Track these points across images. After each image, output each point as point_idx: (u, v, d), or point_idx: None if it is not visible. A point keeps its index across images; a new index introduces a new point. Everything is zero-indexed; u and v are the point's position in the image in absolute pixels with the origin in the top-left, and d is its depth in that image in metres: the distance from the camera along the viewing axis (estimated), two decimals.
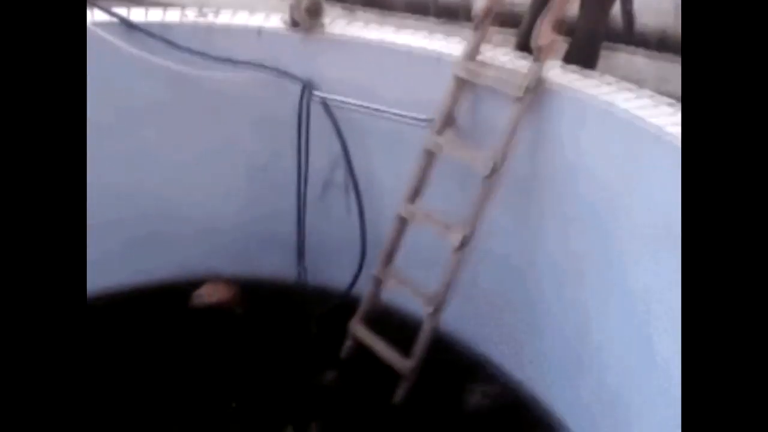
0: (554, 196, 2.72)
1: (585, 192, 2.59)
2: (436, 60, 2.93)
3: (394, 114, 2.94)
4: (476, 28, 2.82)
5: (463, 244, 2.72)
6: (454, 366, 3.09)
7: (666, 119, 2.32)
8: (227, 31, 3.13)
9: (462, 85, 2.80)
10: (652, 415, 2.36)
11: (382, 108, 2.95)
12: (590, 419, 2.71)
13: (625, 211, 2.44)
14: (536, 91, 2.59)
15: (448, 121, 2.84)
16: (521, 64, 2.79)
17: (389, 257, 3.00)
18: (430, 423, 2.86)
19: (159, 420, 2.75)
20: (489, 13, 2.81)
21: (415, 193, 2.92)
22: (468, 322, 3.10)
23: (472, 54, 2.81)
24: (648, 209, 2.32)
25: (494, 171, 2.63)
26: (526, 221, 2.84)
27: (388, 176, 3.15)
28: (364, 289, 3.10)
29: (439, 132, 2.84)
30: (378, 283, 3.02)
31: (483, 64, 2.80)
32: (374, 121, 3.00)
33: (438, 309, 2.80)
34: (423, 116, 2.90)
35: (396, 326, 3.07)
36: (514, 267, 2.92)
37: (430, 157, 2.89)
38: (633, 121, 2.36)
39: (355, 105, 3.02)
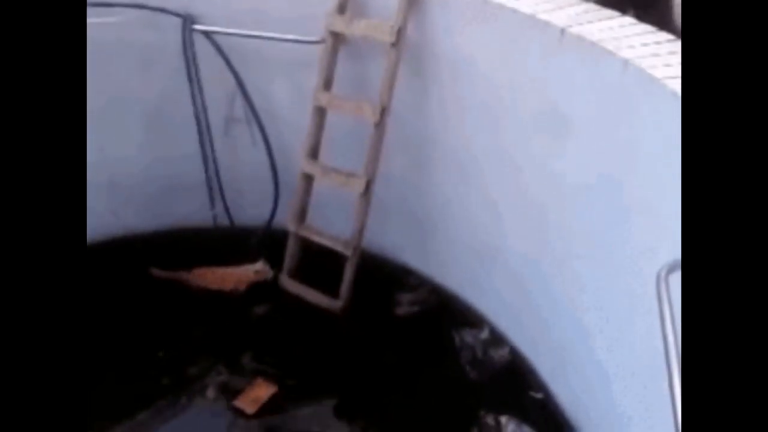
0: (446, 89, 2.79)
1: (473, 83, 2.66)
2: None
3: (283, 39, 2.88)
4: None
5: (367, 189, 2.86)
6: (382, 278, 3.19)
7: (539, 6, 2.38)
8: None
9: (336, 39, 2.84)
10: (547, 291, 2.58)
11: (269, 34, 2.88)
12: (500, 301, 2.91)
13: (510, 94, 2.53)
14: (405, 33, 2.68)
15: (329, 78, 2.89)
16: None
17: (302, 213, 3.08)
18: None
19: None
20: None
21: (315, 150, 2.99)
22: (385, 238, 3.19)
23: (341, 8, 2.81)
24: (531, 90, 2.42)
25: (382, 117, 2.75)
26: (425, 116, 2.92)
27: (288, 101, 3.11)
28: (282, 219, 3.12)
29: (325, 88, 2.89)
30: (296, 238, 3.09)
31: (352, 18, 2.81)
32: (264, 47, 2.93)
33: (356, 251, 2.94)
34: (313, 38, 2.86)
35: (320, 260, 3.11)
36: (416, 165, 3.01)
37: (321, 113, 2.94)
38: (509, 12, 2.41)
39: (241, 34, 2.93)
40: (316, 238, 3.04)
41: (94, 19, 2.83)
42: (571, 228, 2.40)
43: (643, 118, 1.98)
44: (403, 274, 3.21)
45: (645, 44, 2.08)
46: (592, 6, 2.39)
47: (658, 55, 2.01)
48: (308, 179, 3.03)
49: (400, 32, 2.70)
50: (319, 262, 3.05)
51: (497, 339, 2.89)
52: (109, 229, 3.22)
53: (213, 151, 3.21)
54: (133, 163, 3.23)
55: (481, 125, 2.68)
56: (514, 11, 2.38)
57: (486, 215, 2.83)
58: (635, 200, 2.06)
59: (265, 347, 2.91)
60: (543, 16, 2.31)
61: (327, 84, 2.93)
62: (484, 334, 2.90)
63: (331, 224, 3.03)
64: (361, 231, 2.92)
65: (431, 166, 2.96)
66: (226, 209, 3.33)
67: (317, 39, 2.87)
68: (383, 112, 2.78)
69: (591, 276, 2.34)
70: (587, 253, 2.34)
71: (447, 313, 3.05)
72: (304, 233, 3.08)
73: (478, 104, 2.65)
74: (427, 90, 2.82)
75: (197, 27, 2.96)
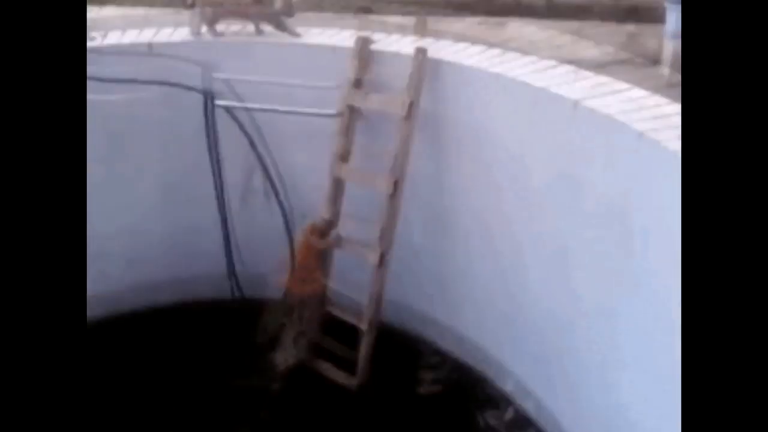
0: (464, 157, 2.82)
1: (488, 151, 2.69)
2: (332, 50, 2.97)
3: (301, 112, 2.96)
4: (356, 57, 2.90)
5: (382, 260, 2.83)
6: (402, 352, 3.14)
7: (552, 81, 2.44)
8: (117, 50, 3.05)
9: (353, 113, 2.92)
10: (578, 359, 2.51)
11: (287, 108, 2.96)
12: (526, 374, 2.84)
13: (524, 163, 2.55)
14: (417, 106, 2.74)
15: (346, 150, 2.96)
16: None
17: None
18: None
19: None
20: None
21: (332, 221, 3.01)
22: (405, 308, 3.16)
23: (358, 83, 2.91)
24: (546, 161, 2.44)
25: (396, 189, 2.80)
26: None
27: (306, 172, 3.16)
28: None
29: (342, 160, 2.95)
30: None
31: (367, 93, 2.89)
32: (283, 120, 3.00)
33: (372, 325, 2.92)
34: (330, 111, 2.93)
35: (338, 330, 3.07)
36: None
37: (338, 184, 2.99)
38: (522, 86, 2.47)
39: (260, 108, 3.02)
40: (331, 311, 3.02)
41: (119, 95, 2.95)
42: (594, 291, 2.37)
43: (657, 188, 1.98)
44: (424, 347, 3.16)
45: (657, 117, 2.10)
46: (605, 79, 2.43)
47: (671, 128, 2.02)
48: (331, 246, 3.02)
49: (412, 106, 2.75)
50: (337, 332, 3.01)
51: (521, 420, 2.80)
52: (129, 303, 3.24)
53: (231, 222, 3.24)
54: (152, 234, 3.28)
55: (501, 191, 2.70)
56: (527, 85, 2.43)
57: (512, 278, 2.79)
58: (650, 267, 2.04)
59: (278, 426, 2.85)
60: (555, 90, 2.35)
61: (344, 156, 2.98)
62: (509, 415, 2.82)
63: (350, 291, 3.01)
64: (377, 304, 2.90)
65: (451, 233, 2.96)
66: (237, 281, 3.34)
67: (334, 112, 2.93)
68: (397, 184, 2.80)
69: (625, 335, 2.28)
70: (617, 313, 2.29)
71: (470, 391, 2.98)
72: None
73: (496, 171, 2.68)
74: (445, 158, 2.86)
75: (219, 102, 3.05)
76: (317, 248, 2.97)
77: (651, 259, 2.05)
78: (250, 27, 3.16)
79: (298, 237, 3.05)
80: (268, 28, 3.14)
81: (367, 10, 4.86)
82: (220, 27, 3.13)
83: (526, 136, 2.49)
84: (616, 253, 2.20)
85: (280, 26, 3.11)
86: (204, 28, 3.10)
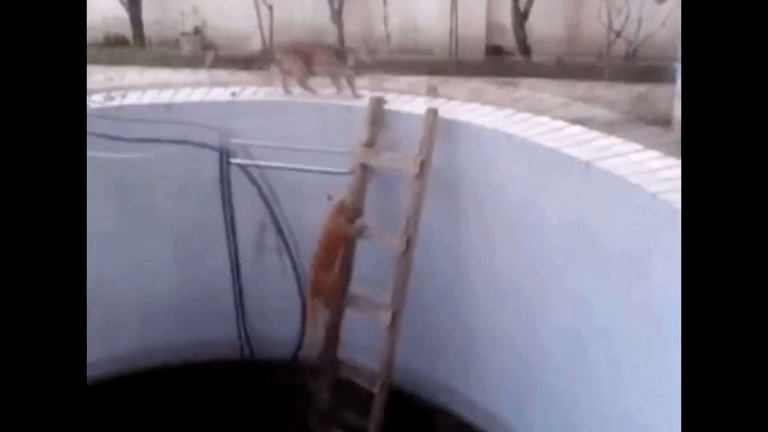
0: (476, 216, 2.81)
1: (502, 210, 2.69)
2: (346, 110, 3.02)
3: (315, 170, 2.99)
4: (369, 117, 2.95)
5: (394, 321, 2.80)
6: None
7: (563, 141, 2.45)
8: (136, 110, 3.12)
9: (365, 171, 2.95)
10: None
11: (301, 166, 2.99)
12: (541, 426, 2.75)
13: (539, 224, 2.54)
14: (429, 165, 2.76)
15: (359, 208, 2.97)
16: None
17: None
18: None
19: None
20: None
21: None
22: (417, 369, 3.11)
23: (370, 141, 2.95)
24: (560, 221, 2.43)
25: (408, 247, 2.79)
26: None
27: (316, 229, 3.16)
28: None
29: (354, 220, 2.95)
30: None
31: (379, 151, 2.93)
32: (297, 177, 3.03)
33: (383, 387, 2.87)
34: (343, 169, 2.96)
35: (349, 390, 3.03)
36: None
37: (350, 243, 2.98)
38: (534, 147, 2.49)
39: (275, 167, 3.05)
40: (342, 373, 2.98)
41: (137, 154, 3.01)
42: (610, 358, 2.32)
43: (675, 249, 1.96)
44: (437, 413, 3.09)
45: (669, 179, 2.10)
46: (616, 140, 2.44)
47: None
48: (337, 310, 3.01)
49: (423, 164, 2.78)
50: (348, 392, 2.96)
51: None
52: (133, 357, 3.21)
53: (242, 279, 3.24)
54: (164, 291, 3.28)
55: (513, 252, 2.68)
56: (539, 146, 2.45)
57: (524, 341, 2.74)
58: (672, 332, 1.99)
59: None
60: (567, 151, 2.37)
61: (356, 214, 2.99)
62: None
63: (361, 356, 2.97)
64: (389, 364, 2.86)
65: (463, 293, 2.93)
66: (248, 340, 3.31)
67: (347, 170, 2.96)
68: (409, 242, 2.80)
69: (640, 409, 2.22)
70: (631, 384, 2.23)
71: None
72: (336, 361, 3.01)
73: (508, 231, 2.67)
74: (458, 217, 2.86)
75: (234, 160, 3.09)
76: (342, 234, 2.90)
77: (670, 325, 2.00)
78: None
79: (328, 213, 2.92)
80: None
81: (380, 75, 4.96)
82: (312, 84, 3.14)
83: (540, 197, 2.49)
84: (635, 321, 2.16)
85: (351, 83, 3.12)
86: (293, 88, 3.12)
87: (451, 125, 2.80)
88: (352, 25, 6.33)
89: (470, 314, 2.94)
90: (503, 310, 2.79)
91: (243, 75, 5.90)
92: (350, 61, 3.07)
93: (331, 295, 2.88)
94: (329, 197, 2.91)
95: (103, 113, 3.06)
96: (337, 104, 3.11)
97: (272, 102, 3.19)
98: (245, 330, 3.30)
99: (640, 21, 5.18)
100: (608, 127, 2.98)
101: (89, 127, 2.89)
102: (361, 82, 4.16)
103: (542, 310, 2.61)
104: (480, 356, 2.96)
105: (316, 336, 3.01)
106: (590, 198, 2.27)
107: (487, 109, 2.94)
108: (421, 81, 5.42)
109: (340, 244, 2.88)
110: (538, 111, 3.04)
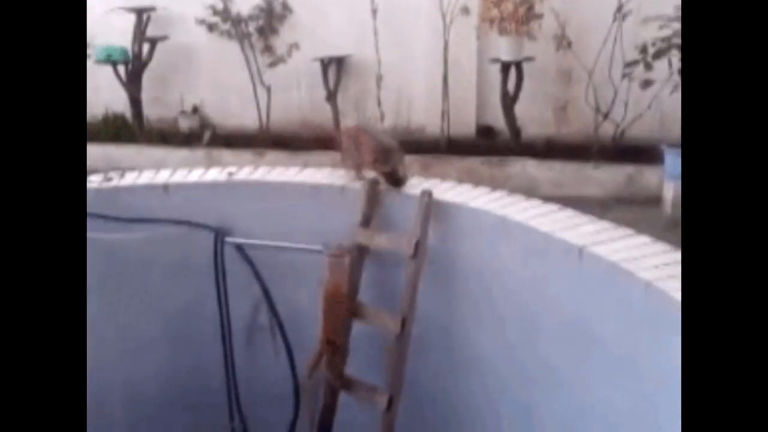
0: (471, 298, 2.81)
1: (495, 293, 2.69)
2: (341, 191, 3.07)
3: (310, 249, 3.00)
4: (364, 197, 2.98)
5: (390, 405, 2.72)
6: None
7: (556, 225, 2.48)
8: (133, 191, 3.16)
9: (361, 251, 2.96)
10: None
11: (297, 245, 3.01)
12: None
13: (532, 309, 2.53)
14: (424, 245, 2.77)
15: (354, 288, 2.95)
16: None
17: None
18: None
19: None
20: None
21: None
22: None
23: (365, 221, 2.98)
24: (555, 308, 2.43)
25: (404, 329, 2.75)
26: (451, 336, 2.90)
27: (313, 311, 3.14)
28: None
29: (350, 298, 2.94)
30: None
31: (374, 232, 2.96)
32: (291, 257, 3.04)
33: None
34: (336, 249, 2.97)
35: None
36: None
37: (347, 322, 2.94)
38: (527, 230, 2.52)
39: (270, 246, 3.06)
40: None
41: (132, 234, 3.02)
42: None
43: (668, 340, 1.95)
44: None
45: (666, 264, 2.11)
46: (608, 224, 2.48)
47: (674, 277, 2.03)
48: (332, 391, 2.95)
49: (418, 245, 2.79)
50: None
51: None
52: None
53: (234, 362, 3.19)
54: (151, 375, 3.21)
55: (509, 335, 2.66)
56: (532, 229, 2.48)
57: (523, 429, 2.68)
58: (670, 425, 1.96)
59: None
60: (560, 235, 2.40)
61: (351, 294, 2.98)
62: None
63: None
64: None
65: (462, 376, 2.88)
66: (243, 424, 3.22)
67: (341, 251, 2.97)
68: (404, 323, 2.79)
69: None
70: None
71: None
72: None
73: (503, 314, 2.66)
74: (453, 298, 2.85)
75: (229, 240, 3.11)
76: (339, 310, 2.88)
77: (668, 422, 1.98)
78: None
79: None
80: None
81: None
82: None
83: (533, 281, 2.50)
84: (629, 414, 2.13)
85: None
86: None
87: (443, 206, 2.84)
88: (346, 105, 6.54)
89: (466, 403, 2.88)
90: (499, 401, 2.74)
91: (241, 154, 6.04)
92: (389, 165, 2.99)
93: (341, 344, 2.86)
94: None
95: (100, 194, 3.09)
96: (332, 185, 3.15)
97: (268, 183, 3.24)
98: (240, 413, 3.21)
99: (626, 104, 5.38)
100: (599, 208, 3.04)
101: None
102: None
103: (537, 404, 2.57)
104: None
105: (309, 414, 2.95)
106: (584, 284, 2.28)
107: (480, 190, 2.99)
108: (414, 159, 5.54)
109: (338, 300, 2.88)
110: (529, 192, 3.10)
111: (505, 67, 5.68)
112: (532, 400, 2.61)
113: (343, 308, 2.90)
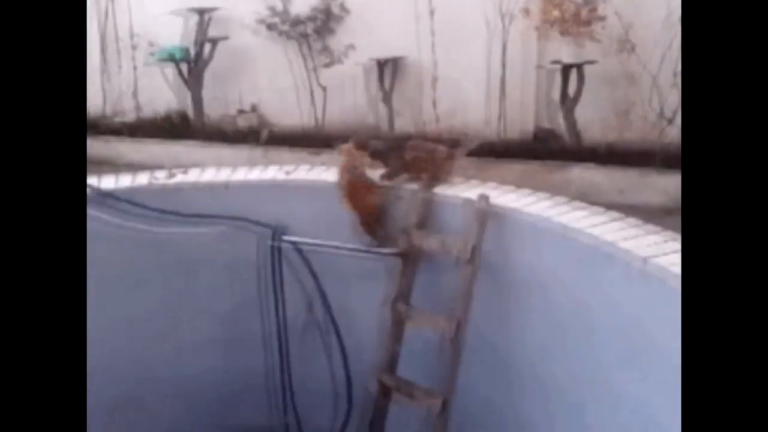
0: (527, 307, 2.76)
1: (552, 302, 2.63)
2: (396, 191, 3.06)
3: (364, 250, 3.01)
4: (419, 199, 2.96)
5: (444, 408, 2.69)
6: None
7: (618, 233, 2.41)
8: (196, 188, 3.23)
9: (414, 253, 2.94)
10: None
11: (351, 245, 3.02)
12: None
13: (589, 321, 2.47)
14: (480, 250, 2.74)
15: (407, 290, 2.95)
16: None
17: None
18: None
19: None
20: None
21: (391, 363, 2.96)
22: None
23: (420, 223, 2.96)
24: (612, 322, 2.36)
25: (458, 332, 2.72)
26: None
27: (365, 311, 3.16)
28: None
29: (403, 300, 2.94)
30: None
31: (429, 233, 2.93)
32: (345, 258, 3.05)
33: None
34: (393, 250, 2.97)
35: None
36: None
37: (398, 325, 2.95)
38: (588, 238, 2.45)
39: (324, 245, 3.08)
40: None
41: (190, 229, 3.09)
42: None
43: None
44: None
45: None
46: (673, 234, 2.39)
47: None
48: (385, 393, 2.95)
49: (474, 249, 2.75)
50: None
51: None
52: None
53: (288, 358, 3.22)
54: (206, 370, 3.27)
55: (566, 342, 2.60)
56: (595, 237, 2.41)
57: None
58: None
59: None
60: (623, 244, 2.32)
61: (404, 296, 2.98)
62: None
63: None
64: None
65: (515, 384, 2.84)
66: (297, 420, 3.25)
67: (397, 251, 2.97)
68: (458, 327, 2.75)
69: None
70: None
71: None
72: None
73: (559, 324, 2.60)
74: (508, 305, 2.81)
75: (285, 238, 3.14)
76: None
77: None
78: None
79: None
80: None
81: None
82: None
83: (592, 290, 2.43)
84: None
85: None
86: None
87: (500, 211, 2.79)
88: (401, 106, 6.53)
89: (515, 411, 2.83)
90: (551, 409, 2.68)
91: (297, 152, 6.10)
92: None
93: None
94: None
95: (164, 189, 3.17)
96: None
97: (324, 182, 3.26)
98: (294, 410, 3.25)
99: None
100: (663, 216, 2.93)
101: (150, 203, 3.03)
102: None
103: (593, 412, 2.49)
104: None
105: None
106: (647, 294, 2.20)
107: (538, 195, 2.93)
108: (468, 162, 5.47)
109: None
110: (589, 198, 3.02)
111: (566, 70, 5.57)
112: (585, 406, 2.55)
113: (361, 186, 2.98)
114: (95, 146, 6.70)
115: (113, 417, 3.14)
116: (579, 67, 5.52)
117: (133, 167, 3.56)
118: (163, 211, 3.07)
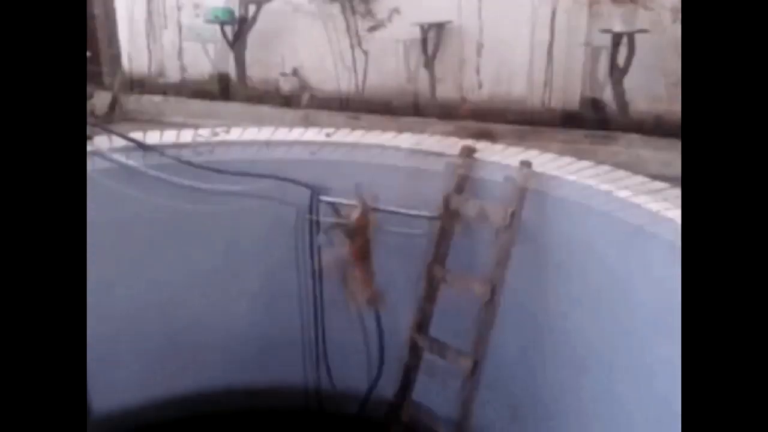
0: (565, 275, 2.73)
1: (593, 272, 2.60)
2: (436, 156, 3.05)
3: (402, 213, 3.01)
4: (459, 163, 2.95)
5: (474, 369, 2.73)
6: None
7: (663, 204, 2.35)
8: (238, 145, 3.27)
9: (452, 217, 2.95)
10: None
11: (389, 208, 3.02)
12: None
13: (627, 293, 2.43)
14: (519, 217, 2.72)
15: (443, 253, 2.96)
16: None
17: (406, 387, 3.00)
18: None
19: None
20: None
21: (424, 323, 3.00)
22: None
23: (459, 188, 2.95)
24: (651, 294, 2.32)
25: (493, 295, 2.73)
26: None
27: (401, 272, 3.17)
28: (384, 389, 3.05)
29: (439, 262, 2.95)
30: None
31: (468, 198, 2.93)
32: (382, 219, 3.06)
33: None
34: (431, 213, 2.97)
35: None
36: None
37: (432, 286, 2.97)
38: (632, 208, 2.40)
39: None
40: (418, 418, 2.93)
41: (231, 186, 3.13)
42: None
43: None
44: None
45: None
46: None
47: None
48: (416, 351, 2.98)
49: (513, 215, 2.73)
50: None
51: None
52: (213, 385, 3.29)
53: (324, 315, 3.27)
54: (251, 322, 3.36)
55: (603, 317, 2.57)
56: (638, 206, 2.36)
57: (608, 415, 2.60)
58: None
59: None
60: (668, 213, 2.27)
61: (441, 258, 2.97)
62: None
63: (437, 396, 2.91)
64: (466, 413, 2.78)
65: (547, 351, 2.83)
66: (330, 377, 3.32)
67: (434, 214, 2.96)
68: (494, 290, 2.74)
69: None
70: None
71: None
72: (407, 410, 2.97)
73: (597, 294, 2.57)
74: (544, 273, 2.79)
75: (324, 198, 3.16)
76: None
77: None
78: None
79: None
80: None
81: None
82: None
83: (632, 263, 2.39)
84: None
85: None
86: None
87: (539, 178, 2.75)
88: (444, 72, 6.44)
89: (548, 378, 2.83)
90: (584, 376, 2.67)
91: (336, 116, 6.10)
92: None
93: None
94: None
95: (207, 147, 3.22)
96: (428, 150, 3.13)
97: (364, 145, 3.26)
98: (327, 365, 3.31)
99: None
100: None
101: (193, 160, 3.07)
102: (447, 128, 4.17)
103: (631, 379, 2.47)
104: (558, 423, 2.83)
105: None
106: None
107: (582, 163, 2.88)
108: (511, 130, 5.39)
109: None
110: (635, 169, 2.94)
111: (617, 39, 5.39)
112: (617, 379, 2.52)
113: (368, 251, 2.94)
114: (141, 103, 6.83)
115: (161, 362, 3.26)
116: (630, 36, 5.34)
117: (177, 125, 3.61)
118: (205, 167, 3.11)
